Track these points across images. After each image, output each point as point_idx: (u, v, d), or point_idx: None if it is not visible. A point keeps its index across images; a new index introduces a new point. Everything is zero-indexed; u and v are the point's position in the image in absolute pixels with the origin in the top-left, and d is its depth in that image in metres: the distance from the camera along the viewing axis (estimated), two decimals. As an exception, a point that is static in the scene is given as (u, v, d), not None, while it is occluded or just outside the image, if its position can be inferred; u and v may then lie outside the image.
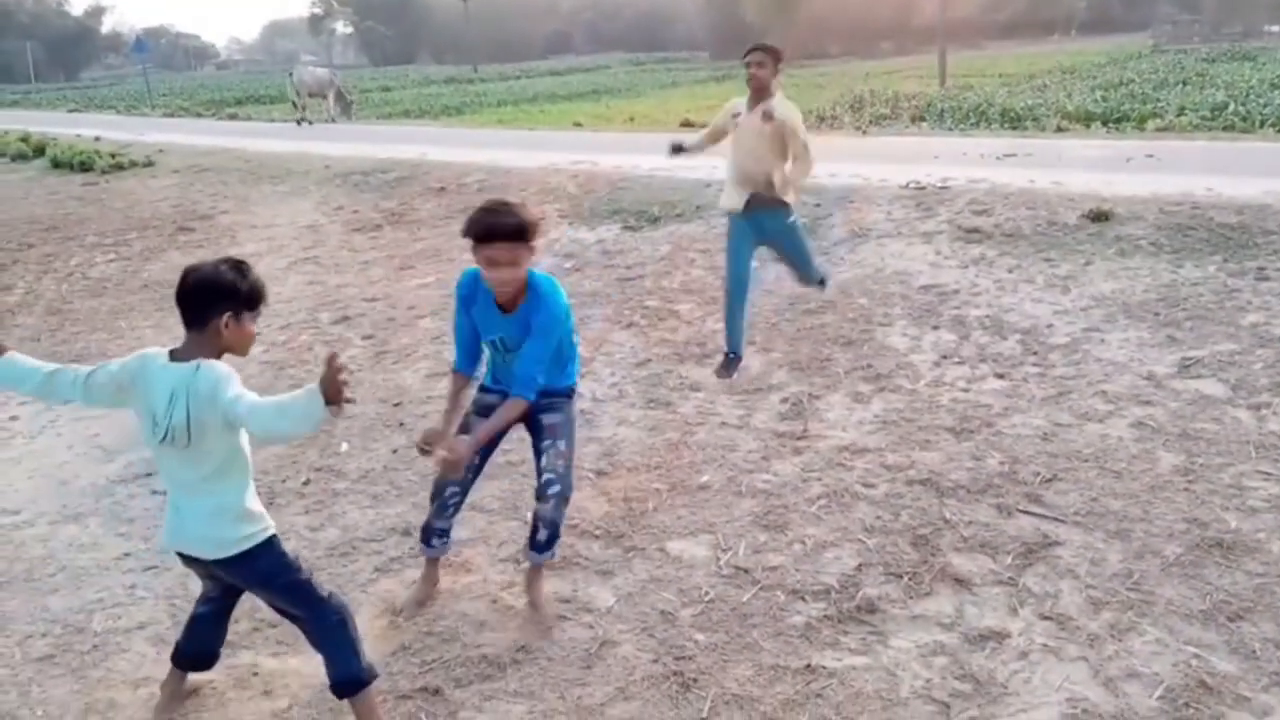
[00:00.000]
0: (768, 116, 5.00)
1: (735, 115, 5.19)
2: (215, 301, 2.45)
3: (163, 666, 3.18)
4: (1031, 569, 3.44)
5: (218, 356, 2.49)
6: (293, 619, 2.74)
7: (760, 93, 5.06)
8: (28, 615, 3.56)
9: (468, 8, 53.23)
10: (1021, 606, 3.24)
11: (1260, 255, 6.34)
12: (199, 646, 2.91)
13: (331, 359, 2.22)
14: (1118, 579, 3.33)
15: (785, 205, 5.11)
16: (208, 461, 2.50)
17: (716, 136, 5.36)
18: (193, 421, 2.42)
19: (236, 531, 2.55)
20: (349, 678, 2.70)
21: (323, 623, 2.68)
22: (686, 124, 16.17)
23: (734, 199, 5.18)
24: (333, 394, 2.20)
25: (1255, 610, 3.11)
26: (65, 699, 3.08)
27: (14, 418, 5.53)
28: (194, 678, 2.99)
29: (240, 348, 2.53)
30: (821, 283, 5.63)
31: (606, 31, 78.47)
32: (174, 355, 2.49)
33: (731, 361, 5.42)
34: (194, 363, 2.45)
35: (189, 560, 2.66)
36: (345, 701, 2.73)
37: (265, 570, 2.62)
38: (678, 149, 5.52)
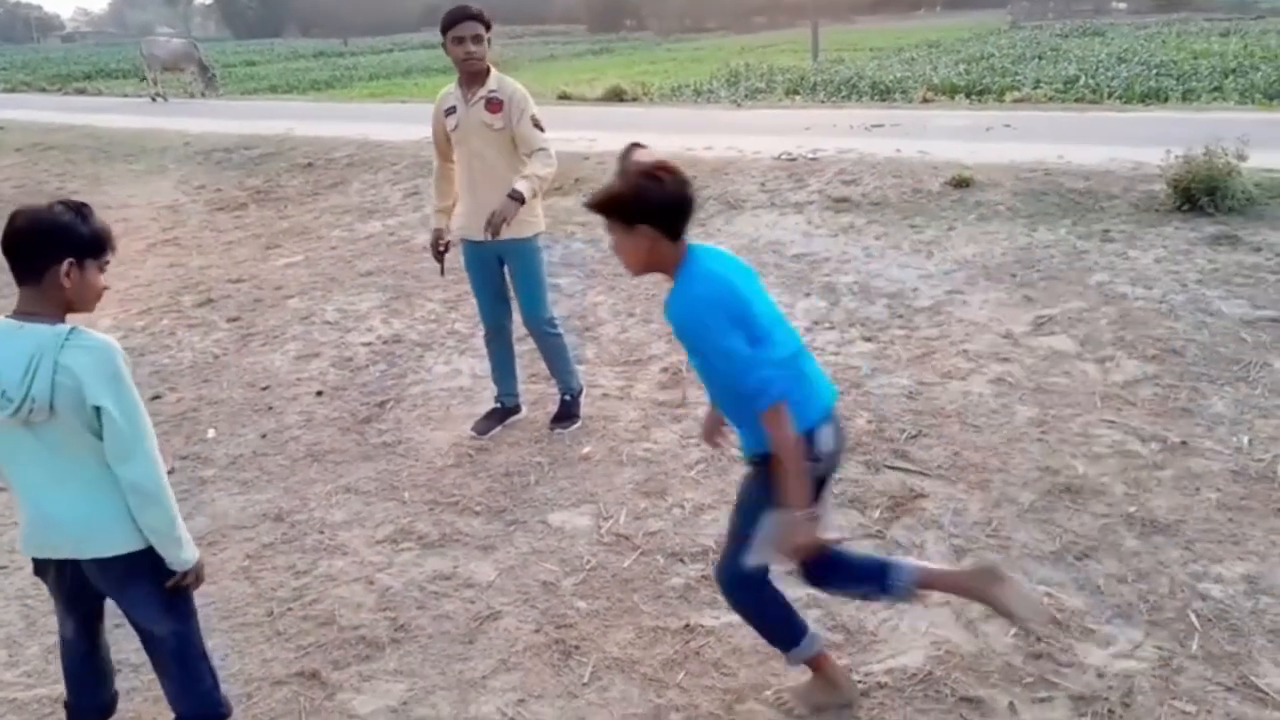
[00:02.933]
0: (494, 103, 4.10)
1: (449, 112, 4.21)
2: (52, 248, 2.14)
3: (14, 670, 3.02)
4: (899, 521, 3.59)
5: (62, 316, 2.18)
6: (152, 639, 2.37)
7: (477, 77, 4.11)
8: None
9: (335, -22, 51.38)
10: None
11: (1105, 218, 6.72)
12: (90, 698, 2.52)
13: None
14: (978, 527, 3.51)
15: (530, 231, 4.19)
16: (78, 442, 2.16)
17: (446, 152, 4.31)
18: (57, 395, 2.10)
19: (118, 527, 2.21)
20: (209, 712, 2.43)
21: (189, 643, 2.39)
22: (564, 96, 16.07)
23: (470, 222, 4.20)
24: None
25: (1100, 549, 3.32)
26: (-95, 710, 2.89)
27: None
28: None
29: (85, 302, 2.22)
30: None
31: (483, 4, 76.87)
32: (16, 315, 2.16)
33: (498, 411, 4.61)
34: (63, 326, 2.14)
35: (44, 567, 2.33)
36: None
37: (144, 573, 2.28)
38: (439, 250, 4.35)
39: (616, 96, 15.77)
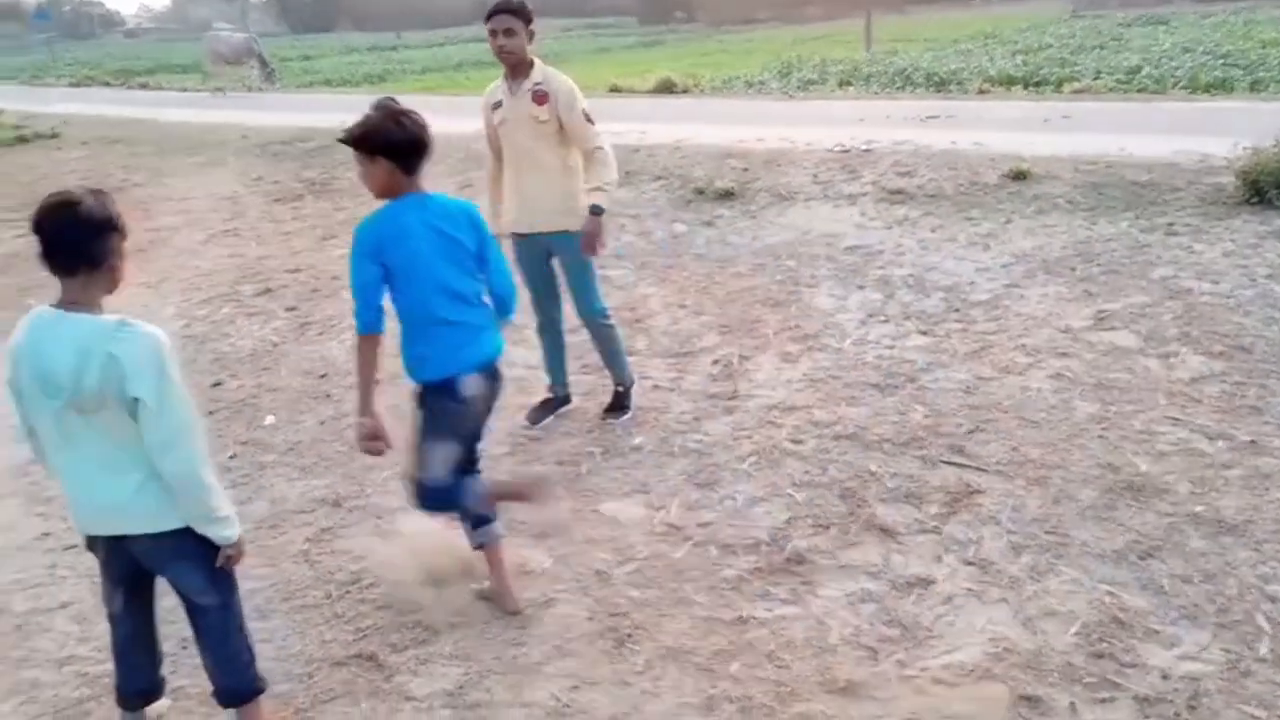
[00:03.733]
0: (540, 95, 4.08)
1: (495, 106, 4.22)
2: (103, 235, 2.19)
3: (85, 644, 3.12)
4: (955, 517, 3.55)
5: (101, 303, 2.23)
6: (197, 610, 2.45)
7: (516, 68, 4.10)
8: (-59, 599, 3.45)
9: (389, -28, 51.92)
10: (945, 553, 3.34)
11: (1169, 211, 6.56)
12: (138, 680, 2.59)
13: None
14: (1036, 524, 3.45)
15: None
16: (126, 427, 2.21)
17: (498, 147, 4.30)
18: (107, 384, 2.16)
19: (165, 505, 2.29)
20: (246, 686, 2.53)
21: (231, 615, 2.48)
22: (615, 89, 16.07)
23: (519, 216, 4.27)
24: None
25: (1164, 548, 3.25)
26: (-15, 681, 3.00)
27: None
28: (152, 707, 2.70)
29: (119, 284, 2.28)
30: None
31: (533, -2, 77.07)
32: (63, 306, 2.20)
33: (550, 401, 4.66)
34: (111, 317, 2.20)
35: (94, 543, 2.42)
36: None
37: (191, 548, 2.36)
38: None
39: (667, 89, 15.73)
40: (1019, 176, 7.36)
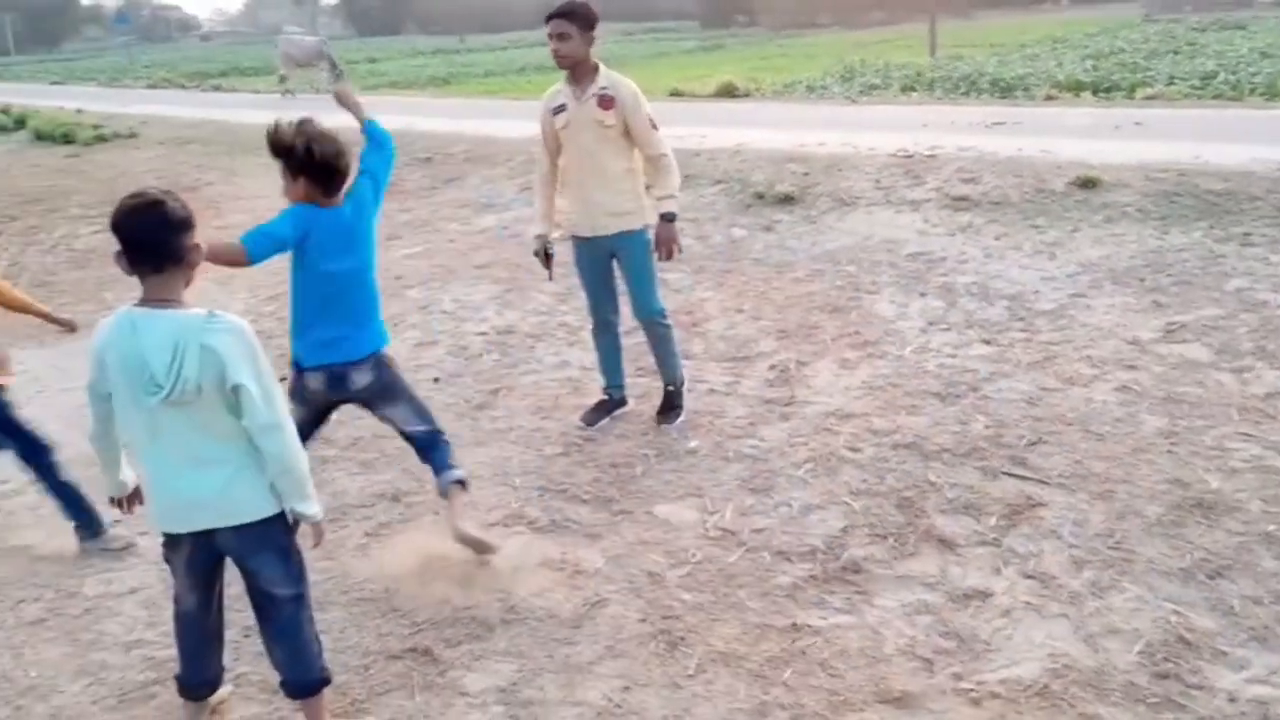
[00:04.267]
0: (607, 99, 4.09)
1: (557, 110, 4.22)
2: (183, 232, 2.27)
3: (153, 629, 3.21)
4: (1015, 530, 3.48)
5: (182, 298, 2.31)
6: (273, 601, 2.50)
7: (576, 72, 4.11)
8: (20, 580, 3.58)
9: (454, -23, 52.64)
10: (1005, 566, 3.28)
11: (1245, 221, 6.37)
12: (203, 672, 2.66)
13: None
14: (1100, 539, 3.38)
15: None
16: (218, 419, 2.29)
17: (555, 151, 4.32)
18: (204, 376, 2.22)
19: (255, 494, 2.37)
20: (314, 677, 2.58)
21: (304, 606, 2.54)
22: (675, 93, 16.08)
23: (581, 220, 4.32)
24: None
25: (1234, 568, 3.15)
26: (58, 661, 3.11)
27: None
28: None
29: (193, 279, 2.37)
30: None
31: (596, 3, 77.60)
32: (149, 304, 2.27)
33: (605, 403, 4.66)
34: (199, 310, 2.26)
35: (176, 542, 2.45)
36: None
37: (275, 537, 2.44)
38: (546, 257, 4.38)
39: (728, 93, 15.70)
40: (1087, 184, 7.21)
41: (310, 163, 3.14)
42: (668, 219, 4.19)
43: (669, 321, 4.53)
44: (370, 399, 3.38)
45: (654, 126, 4.14)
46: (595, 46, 4.10)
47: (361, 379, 3.30)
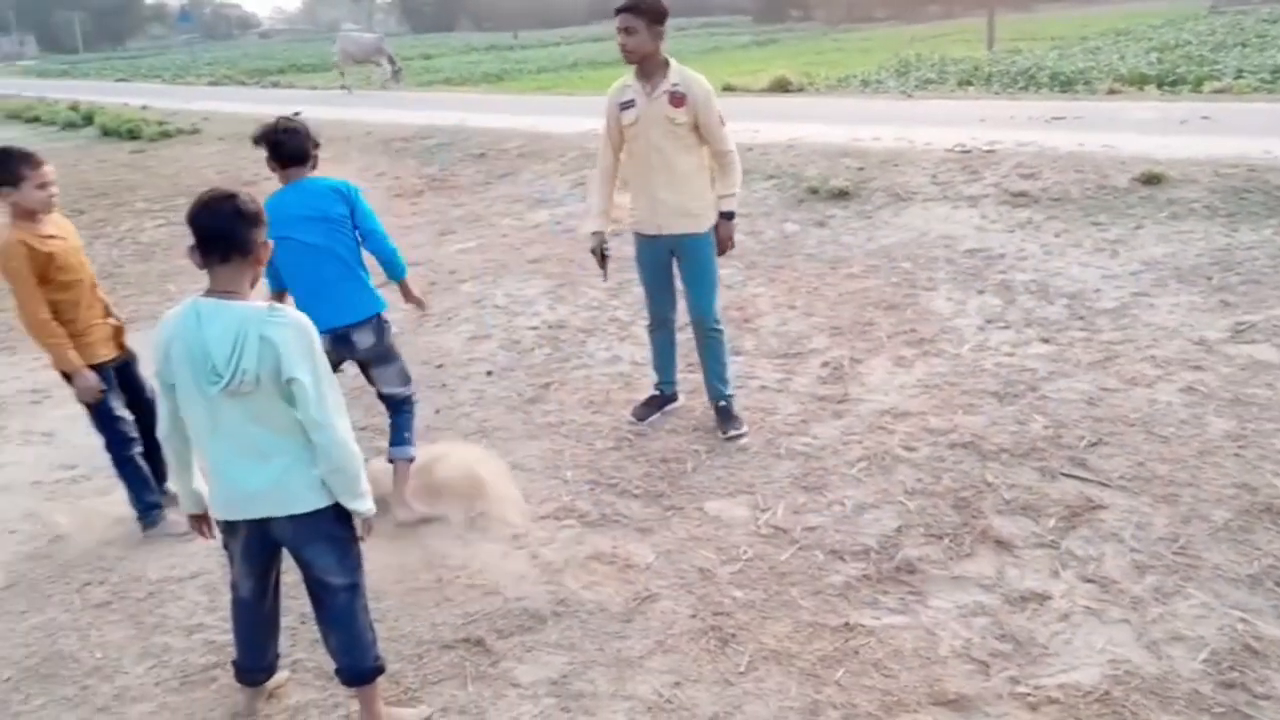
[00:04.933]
0: (678, 97, 4.02)
1: (625, 105, 4.15)
2: (255, 228, 2.35)
3: (213, 614, 3.28)
4: (1074, 532, 3.41)
5: (252, 287, 2.39)
6: (327, 590, 2.55)
7: (645, 67, 4.03)
8: (86, 563, 3.69)
9: (508, -26, 52.98)
10: (1063, 569, 3.21)
11: (1319, 219, 6.16)
12: (260, 658, 2.75)
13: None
14: (1163, 543, 3.29)
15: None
16: (276, 410, 2.35)
17: (618, 145, 4.27)
18: (262, 367, 2.28)
19: (310, 486, 2.41)
20: (368, 665, 2.60)
21: (358, 595, 2.58)
22: (728, 88, 16.01)
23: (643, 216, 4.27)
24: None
25: (1305, 575, 3.05)
26: (122, 643, 3.19)
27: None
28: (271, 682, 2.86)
29: (260, 276, 2.47)
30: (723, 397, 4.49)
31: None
32: (215, 294, 2.33)
33: (657, 399, 4.65)
34: (262, 303, 2.34)
35: (233, 529, 2.52)
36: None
37: (329, 528, 2.47)
38: (602, 255, 4.37)
39: (782, 87, 15.59)
40: (1152, 180, 7.02)
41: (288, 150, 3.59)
42: (727, 217, 4.20)
43: (723, 328, 4.45)
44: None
45: (722, 123, 4.11)
46: (662, 41, 4.03)
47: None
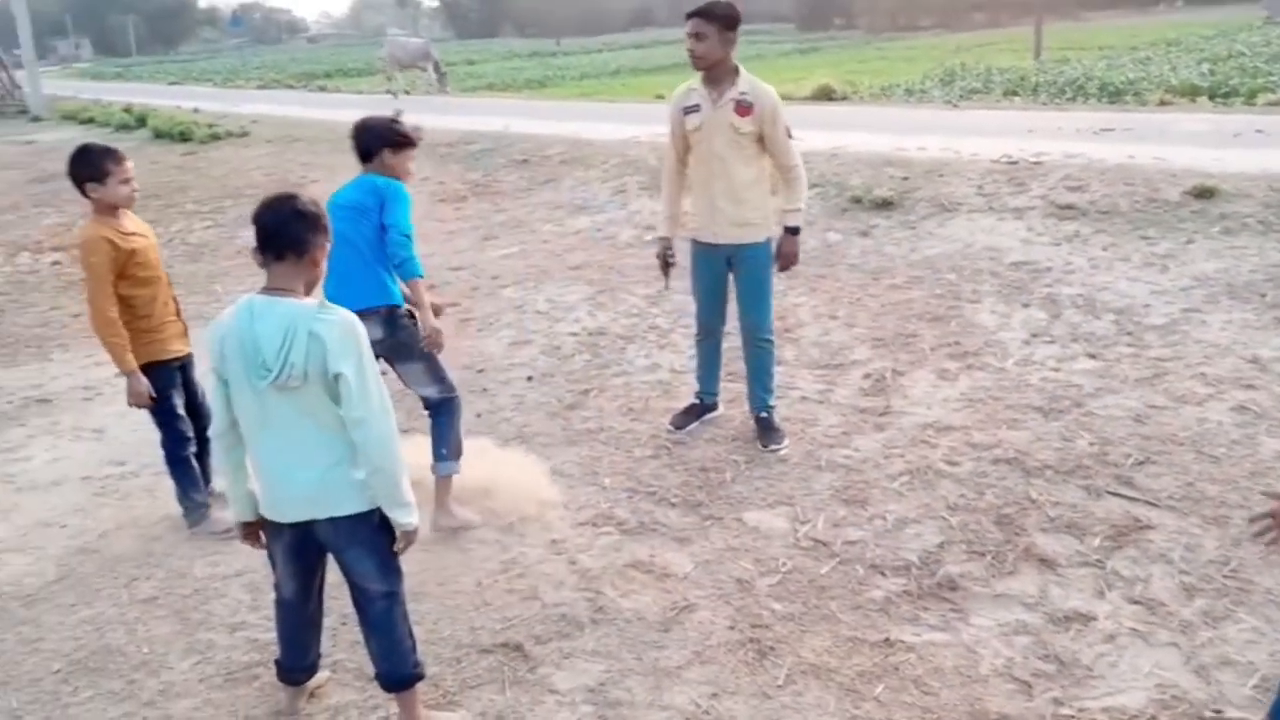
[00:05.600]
0: (745, 106, 3.98)
1: (689, 110, 4.10)
2: (316, 232, 2.42)
3: (256, 613, 3.32)
4: (1120, 552, 3.35)
5: (309, 291, 2.44)
6: (366, 595, 2.57)
7: (713, 73, 4.00)
8: (134, 559, 3.75)
9: (552, -19, 53.33)
10: (1109, 589, 3.16)
11: (1378, 236, 6.01)
12: (302, 658, 2.77)
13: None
14: (1214, 565, 3.23)
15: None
16: (322, 409, 2.37)
17: (682, 151, 4.23)
18: (310, 362, 2.32)
19: (353, 488, 2.42)
20: (406, 672, 2.62)
21: (396, 603, 2.59)
22: (771, 97, 15.96)
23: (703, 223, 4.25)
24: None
25: (1361, 603, 2.98)
26: (168, 638, 3.24)
27: (120, 374, 5.77)
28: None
29: (319, 280, 2.52)
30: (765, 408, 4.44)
31: (690, 4, 77.58)
32: (269, 292, 2.38)
33: (696, 408, 4.61)
34: (314, 301, 2.38)
35: (277, 530, 2.53)
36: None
37: (370, 533, 2.49)
38: (666, 262, 4.39)
39: (825, 95, 15.52)
40: (1204, 194, 6.89)
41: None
42: (793, 232, 4.14)
43: (773, 339, 4.41)
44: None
45: (789, 136, 4.05)
46: (733, 48, 3.98)
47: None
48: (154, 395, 3.73)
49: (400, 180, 3.60)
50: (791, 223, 4.14)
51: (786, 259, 4.20)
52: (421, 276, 3.60)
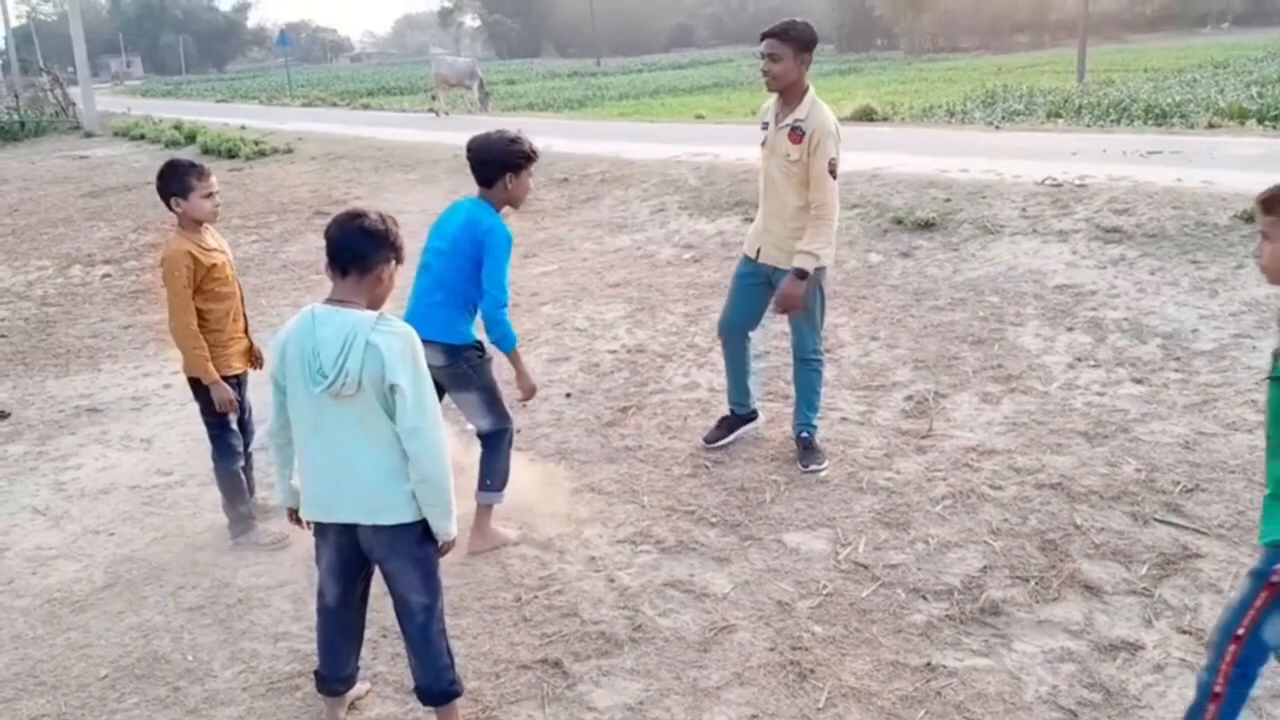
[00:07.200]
0: (797, 133, 3.94)
1: (763, 126, 4.13)
2: (385, 249, 2.47)
3: (299, 623, 3.36)
4: (1169, 580, 3.29)
5: (374, 307, 2.48)
6: (406, 606, 2.59)
7: (785, 94, 3.96)
8: (180, 568, 3.81)
9: (592, 2, 53.83)
10: (1157, 618, 3.10)
11: None
12: (342, 667, 2.79)
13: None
14: (1265, 597, 3.15)
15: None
16: (375, 418, 2.41)
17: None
18: (365, 371, 2.37)
19: (401, 498, 2.46)
20: (444, 688, 2.64)
21: (435, 618, 2.61)
22: (810, 117, 15.96)
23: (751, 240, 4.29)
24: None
25: None
26: (212, 646, 3.28)
27: (167, 385, 5.90)
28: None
29: (384, 300, 2.55)
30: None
31: (730, 25, 78.18)
32: (332, 302, 2.46)
33: (727, 420, 4.61)
34: (373, 313, 2.42)
35: (324, 529, 2.58)
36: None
37: (414, 544, 2.52)
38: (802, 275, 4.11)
39: (865, 116, 15.50)
40: (1254, 218, 6.77)
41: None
42: (799, 274, 3.97)
43: (821, 359, 4.38)
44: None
45: (831, 174, 3.89)
46: (807, 69, 3.92)
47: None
48: (232, 401, 3.80)
49: (518, 202, 3.61)
50: (798, 264, 3.96)
51: (782, 302, 4.04)
52: (515, 350, 3.59)
